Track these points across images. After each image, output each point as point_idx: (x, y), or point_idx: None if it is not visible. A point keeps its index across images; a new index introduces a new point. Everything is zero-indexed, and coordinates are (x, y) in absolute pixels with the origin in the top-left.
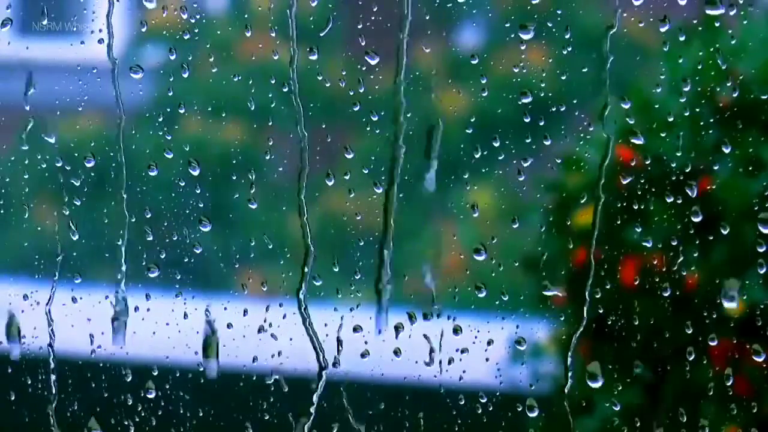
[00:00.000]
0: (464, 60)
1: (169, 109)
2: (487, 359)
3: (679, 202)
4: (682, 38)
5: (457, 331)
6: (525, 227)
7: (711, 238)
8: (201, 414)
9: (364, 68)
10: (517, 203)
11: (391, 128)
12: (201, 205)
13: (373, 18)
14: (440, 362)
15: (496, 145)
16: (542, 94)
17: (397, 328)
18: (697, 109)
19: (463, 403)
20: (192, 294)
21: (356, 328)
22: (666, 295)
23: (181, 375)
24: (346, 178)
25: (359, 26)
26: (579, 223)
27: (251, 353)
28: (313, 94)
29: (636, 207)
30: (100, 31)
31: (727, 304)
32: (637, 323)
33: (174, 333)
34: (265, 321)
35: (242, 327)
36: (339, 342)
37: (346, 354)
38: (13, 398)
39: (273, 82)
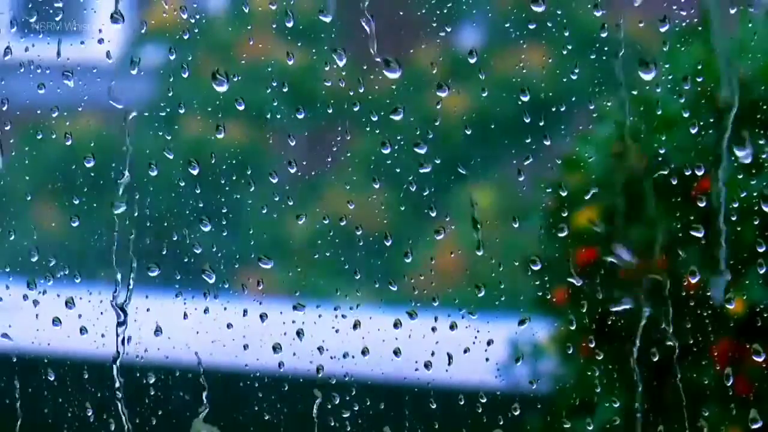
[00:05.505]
0: (464, 60)
1: (169, 109)
2: (487, 359)
3: (679, 202)
4: (682, 38)
5: (455, 330)
6: (525, 227)
7: (711, 238)
8: (201, 414)
9: (364, 68)
10: (517, 203)
11: (391, 128)
12: (201, 205)
13: (373, 18)
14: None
15: (496, 145)
16: (542, 94)
17: (396, 326)
18: (697, 109)
19: (463, 403)
20: (192, 294)
21: (356, 326)
22: (666, 295)
23: (181, 375)
24: (346, 178)
25: (359, 26)
26: (579, 223)
27: (251, 353)
28: (313, 94)
29: (636, 207)
30: (100, 31)
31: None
32: (637, 323)
33: (174, 333)
34: (265, 321)
35: (242, 327)
36: (338, 341)
37: (345, 353)
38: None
39: (273, 82)
